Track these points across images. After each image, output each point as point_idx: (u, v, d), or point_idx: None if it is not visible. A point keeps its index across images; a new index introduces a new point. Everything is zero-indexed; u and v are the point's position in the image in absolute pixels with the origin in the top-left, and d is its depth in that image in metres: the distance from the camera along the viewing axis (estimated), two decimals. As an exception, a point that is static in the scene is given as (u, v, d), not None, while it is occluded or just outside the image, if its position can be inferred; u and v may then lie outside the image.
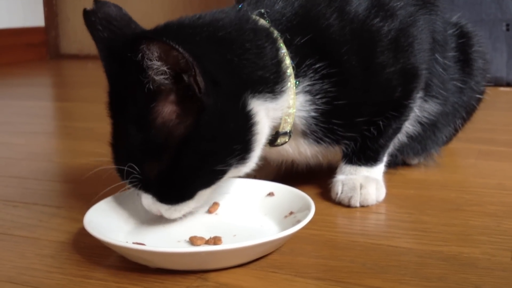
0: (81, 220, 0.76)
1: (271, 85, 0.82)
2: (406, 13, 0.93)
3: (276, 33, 0.84)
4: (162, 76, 0.71)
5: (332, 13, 0.88)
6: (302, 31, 0.86)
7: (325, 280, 0.68)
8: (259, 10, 0.87)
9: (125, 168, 0.75)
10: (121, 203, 0.85)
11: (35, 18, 3.77)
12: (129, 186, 0.78)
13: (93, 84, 2.49)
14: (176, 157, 0.74)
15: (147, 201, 0.79)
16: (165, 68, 0.71)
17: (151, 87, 0.72)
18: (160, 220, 0.84)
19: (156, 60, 0.70)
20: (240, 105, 0.78)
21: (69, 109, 2.15)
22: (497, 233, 0.82)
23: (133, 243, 0.73)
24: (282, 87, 0.83)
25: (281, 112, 0.85)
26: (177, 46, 0.68)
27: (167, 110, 0.74)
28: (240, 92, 0.78)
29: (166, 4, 3.59)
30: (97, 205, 0.82)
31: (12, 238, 0.83)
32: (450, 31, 1.06)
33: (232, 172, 0.80)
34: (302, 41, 0.86)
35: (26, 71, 3.28)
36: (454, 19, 1.09)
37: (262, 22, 0.85)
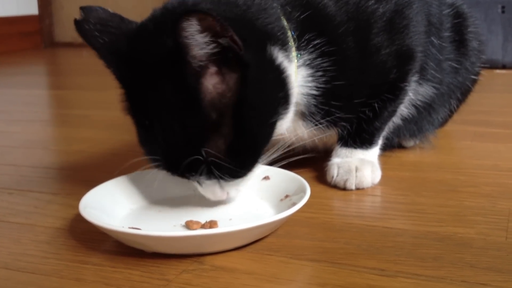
0: (76, 207, 0.76)
1: (282, 43, 0.81)
2: None
3: (276, 4, 0.84)
4: (205, 50, 0.69)
5: None
6: (301, 7, 0.86)
7: (321, 261, 0.69)
8: None
9: (194, 158, 0.72)
10: (117, 189, 0.85)
11: (29, 6, 3.75)
12: (196, 179, 0.76)
13: (88, 71, 2.49)
14: (236, 123, 0.73)
15: (213, 188, 0.78)
16: (207, 39, 0.69)
17: (199, 63, 0.70)
18: (155, 204, 0.84)
19: (198, 33, 0.67)
20: (268, 56, 0.78)
21: (64, 97, 2.14)
22: (492, 213, 0.82)
23: (129, 227, 0.73)
24: (290, 54, 0.83)
25: None
26: (210, 12, 0.66)
27: (213, 82, 0.72)
28: (262, 43, 0.78)
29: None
30: (92, 190, 0.82)
31: (8, 224, 0.83)
32: (446, 11, 1.05)
33: (279, 125, 0.81)
34: (302, 16, 0.86)
35: (21, 60, 3.26)
36: (449, -1, 1.09)
37: None
